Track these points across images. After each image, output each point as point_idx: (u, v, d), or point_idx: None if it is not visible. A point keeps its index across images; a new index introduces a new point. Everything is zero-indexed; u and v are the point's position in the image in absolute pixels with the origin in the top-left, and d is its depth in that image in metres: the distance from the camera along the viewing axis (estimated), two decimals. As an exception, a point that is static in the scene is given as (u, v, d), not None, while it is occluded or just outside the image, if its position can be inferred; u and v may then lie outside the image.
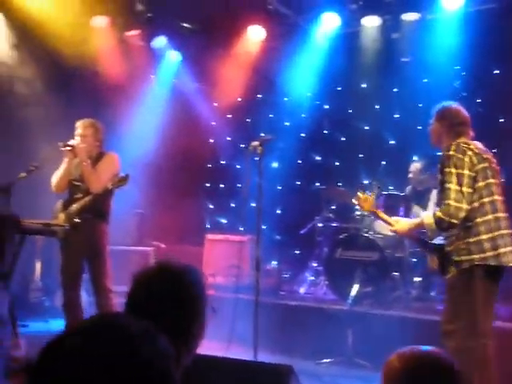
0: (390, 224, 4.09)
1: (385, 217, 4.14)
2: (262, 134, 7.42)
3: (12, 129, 6.86)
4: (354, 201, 4.37)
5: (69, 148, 4.98)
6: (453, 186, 3.58)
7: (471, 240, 3.61)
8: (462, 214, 3.56)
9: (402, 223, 4.03)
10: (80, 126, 5.11)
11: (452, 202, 3.55)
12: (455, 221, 3.56)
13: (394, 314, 5.80)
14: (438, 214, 3.60)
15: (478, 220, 3.63)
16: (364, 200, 4.22)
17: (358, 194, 4.25)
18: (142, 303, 1.66)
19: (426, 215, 3.81)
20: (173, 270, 1.76)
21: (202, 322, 1.74)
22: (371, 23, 7.78)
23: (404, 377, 1.59)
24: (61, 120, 6.53)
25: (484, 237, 3.60)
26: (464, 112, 3.90)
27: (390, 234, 6.28)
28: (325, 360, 5.39)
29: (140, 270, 1.74)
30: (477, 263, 3.58)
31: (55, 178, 5.13)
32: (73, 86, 7.45)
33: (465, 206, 3.56)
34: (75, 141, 5.02)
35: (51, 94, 7.22)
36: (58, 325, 5.83)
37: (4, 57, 7.11)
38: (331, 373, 5.26)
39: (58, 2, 6.56)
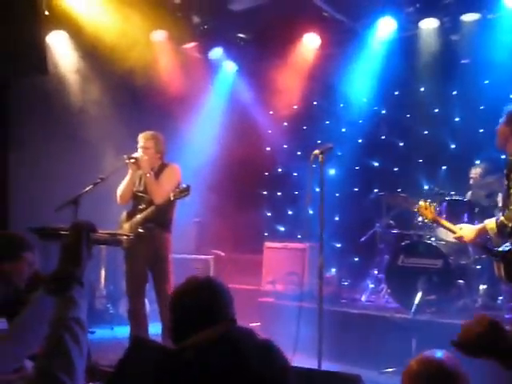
0: (453, 231, 4.01)
1: (447, 224, 4.07)
2: (319, 141, 7.46)
3: (79, 143, 7.11)
4: (415, 209, 4.31)
5: (132, 160, 5.12)
6: None
7: None
8: None
9: (465, 230, 3.95)
10: (142, 138, 5.25)
11: None
12: None
13: (459, 322, 5.61)
14: (502, 219, 3.54)
15: None
16: (425, 208, 4.16)
17: (420, 202, 4.19)
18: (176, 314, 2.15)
19: (489, 221, 3.73)
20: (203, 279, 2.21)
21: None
22: (429, 26, 7.66)
23: (420, 380, 1.72)
24: (124, 133, 6.72)
25: None
26: None
27: (453, 240, 6.16)
28: (388, 369, 5.30)
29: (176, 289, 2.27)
30: None
31: (120, 189, 5.28)
32: (135, 100, 7.66)
33: None
34: (138, 153, 5.16)
35: (115, 109, 7.45)
36: (122, 332, 5.97)
37: (69, 74, 7.38)
38: (394, 382, 5.13)
39: (119, 19, 6.75)
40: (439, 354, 1.95)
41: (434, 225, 6.29)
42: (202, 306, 2.09)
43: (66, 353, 1.45)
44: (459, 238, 3.96)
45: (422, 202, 4.18)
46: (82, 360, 1.49)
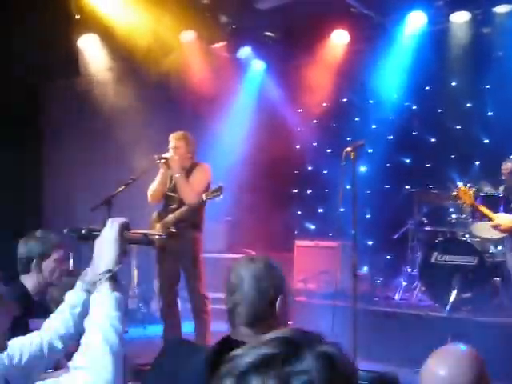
0: (490, 219, 3.95)
1: (485, 210, 4.02)
2: (349, 139, 7.41)
3: (111, 143, 7.19)
4: (454, 193, 4.25)
5: (163, 160, 5.15)
6: None
7: None
8: None
9: (503, 218, 3.89)
10: (173, 138, 5.28)
11: None
12: None
13: (495, 320, 5.55)
14: None
15: None
16: (464, 192, 4.11)
17: (460, 185, 4.15)
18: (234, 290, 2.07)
19: None
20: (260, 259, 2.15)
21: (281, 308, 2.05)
22: (460, 19, 7.53)
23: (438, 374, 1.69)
24: (156, 133, 6.77)
25: None
26: None
27: (489, 237, 6.06)
28: (423, 368, 5.22)
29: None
30: None
31: (151, 189, 5.32)
32: (165, 100, 7.72)
33: None
34: (169, 153, 5.19)
35: (146, 109, 7.51)
36: (155, 331, 6.01)
37: (101, 76, 7.47)
38: (430, 382, 5.09)
39: (148, 21, 6.81)
40: (463, 347, 1.90)
41: (469, 221, 6.20)
42: (261, 287, 2.06)
43: (102, 351, 1.46)
44: (496, 226, 3.90)
45: (461, 186, 4.13)
46: (118, 357, 1.49)
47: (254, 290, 2.02)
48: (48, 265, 3.31)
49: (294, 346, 0.92)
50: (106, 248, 1.68)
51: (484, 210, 4.02)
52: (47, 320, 2.02)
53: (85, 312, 1.97)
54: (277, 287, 2.07)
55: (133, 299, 7.52)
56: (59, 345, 1.97)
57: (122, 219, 1.76)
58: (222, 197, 4.93)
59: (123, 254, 1.71)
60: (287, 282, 2.18)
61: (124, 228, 1.74)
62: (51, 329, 1.97)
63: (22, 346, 1.90)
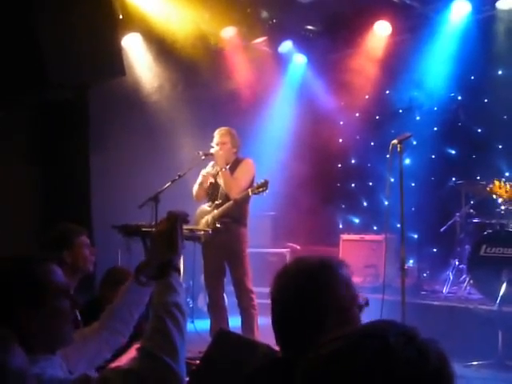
0: None
1: None
2: (392, 131, 7.32)
3: (157, 141, 7.31)
4: (488, 189, 4.18)
5: (208, 156, 5.22)
6: None
7: None
8: None
9: None
10: (217, 134, 5.34)
11: None
12: None
13: (547, 314, 5.42)
14: None
15: None
16: (499, 187, 4.04)
17: (494, 181, 4.08)
18: (282, 298, 1.59)
19: None
20: (309, 264, 1.63)
21: (339, 316, 1.55)
22: (507, 6, 7.34)
23: None
24: (201, 130, 6.86)
25: None
26: None
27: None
28: (474, 362, 5.15)
29: (280, 269, 1.66)
30: None
31: (196, 187, 5.40)
32: (209, 97, 7.78)
33: None
34: (213, 149, 5.25)
35: (190, 107, 7.60)
36: (203, 325, 6.09)
37: (145, 75, 7.59)
38: (480, 376, 5.02)
39: (190, 18, 6.88)
40: None
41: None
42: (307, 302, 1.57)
43: (168, 337, 1.51)
44: None
45: (496, 182, 4.07)
46: (183, 344, 1.54)
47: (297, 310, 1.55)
48: (75, 254, 3.26)
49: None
50: (166, 239, 1.73)
51: None
52: (102, 316, 2.07)
53: (139, 303, 2.02)
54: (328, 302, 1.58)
55: (180, 294, 7.62)
56: (118, 338, 2.04)
57: (181, 211, 1.80)
58: (267, 191, 4.95)
59: (182, 245, 1.76)
60: (348, 293, 1.62)
61: (182, 220, 1.78)
62: (109, 324, 2.03)
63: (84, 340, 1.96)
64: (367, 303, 1.68)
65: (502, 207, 6.29)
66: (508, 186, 4.03)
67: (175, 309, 1.57)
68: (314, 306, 1.52)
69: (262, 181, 5.00)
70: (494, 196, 5.31)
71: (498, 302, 5.33)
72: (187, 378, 3.65)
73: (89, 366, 1.96)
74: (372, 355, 0.89)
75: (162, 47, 7.23)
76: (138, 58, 7.50)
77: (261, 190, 4.96)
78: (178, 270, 1.68)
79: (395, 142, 4.18)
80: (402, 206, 4.14)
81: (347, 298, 1.59)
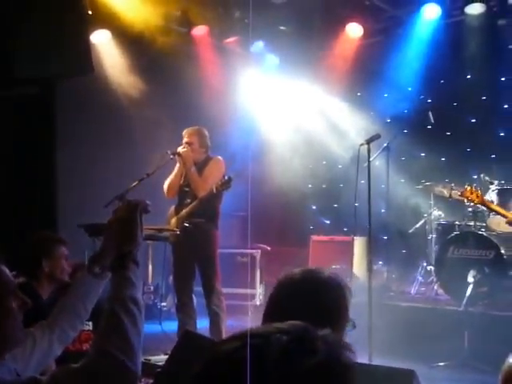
0: (504, 215, 3.92)
1: (497, 208, 3.99)
2: (363, 133, 7.35)
3: (125, 139, 7.22)
4: (459, 195, 4.23)
5: (176, 155, 5.16)
6: None
7: None
8: None
9: None
10: (186, 133, 5.30)
11: None
12: None
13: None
14: None
15: None
16: (470, 192, 4.09)
17: (466, 187, 4.13)
18: (283, 305, 1.59)
19: None
20: (316, 277, 1.66)
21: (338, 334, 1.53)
22: (475, 11, 7.43)
23: None
24: (168, 128, 6.79)
25: None
26: None
27: (505, 230, 5.99)
28: (440, 363, 5.20)
29: (285, 274, 1.67)
30: None
31: (167, 183, 5.35)
32: (179, 96, 7.71)
33: None
34: (181, 148, 5.20)
35: (159, 105, 7.52)
36: (171, 326, 6.02)
37: (113, 72, 7.49)
38: (446, 376, 5.06)
39: (159, 15, 6.81)
40: None
41: (485, 214, 6.15)
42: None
43: (123, 333, 1.44)
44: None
45: (467, 187, 4.11)
46: (139, 340, 1.48)
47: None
48: (54, 264, 3.29)
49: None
50: (124, 229, 1.64)
51: (495, 207, 3.99)
52: (54, 312, 1.98)
53: (93, 296, 1.94)
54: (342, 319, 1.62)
55: (148, 295, 7.54)
56: (70, 334, 1.96)
57: (141, 201, 1.71)
58: (230, 187, 4.90)
59: (142, 237, 1.67)
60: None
61: (143, 209, 1.69)
62: (61, 319, 1.95)
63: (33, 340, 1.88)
64: (354, 326, 1.71)
65: (470, 209, 6.37)
66: (479, 192, 4.08)
67: (131, 303, 1.50)
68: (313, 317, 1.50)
69: (226, 178, 4.97)
70: (466, 201, 5.36)
71: (464, 302, 5.39)
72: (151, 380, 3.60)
73: (39, 366, 1.87)
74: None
75: (131, 44, 7.15)
76: (107, 55, 7.41)
77: (225, 186, 4.92)
78: (137, 263, 1.61)
79: (363, 143, 4.19)
80: (369, 206, 4.16)
81: (343, 317, 1.63)
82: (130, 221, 1.64)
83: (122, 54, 7.46)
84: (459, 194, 4.24)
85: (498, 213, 3.99)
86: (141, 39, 6.86)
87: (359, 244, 6.91)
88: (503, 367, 1.84)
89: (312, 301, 1.57)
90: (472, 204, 5.99)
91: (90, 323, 3.30)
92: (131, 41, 7.05)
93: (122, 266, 1.56)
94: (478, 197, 4.07)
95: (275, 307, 1.62)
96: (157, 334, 6.40)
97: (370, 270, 4.06)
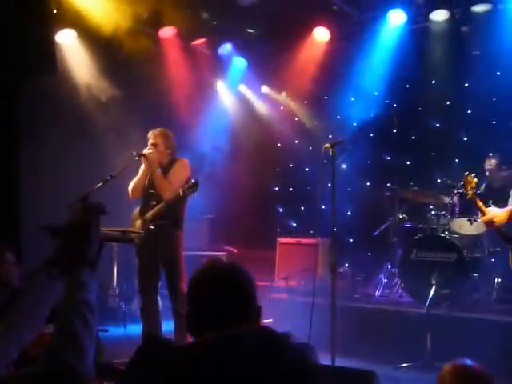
0: (483, 213, 3.99)
1: (481, 205, 4.05)
2: (330, 136, 7.42)
3: (90, 141, 7.13)
4: (463, 181, 4.28)
5: (142, 157, 5.11)
6: None
7: None
8: None
9: (497, 212, 3.93)
10: (151, 135, 5.25)
11: None
12: None
13: (473, 316, 5.60)
14: None
15: None
16: (469, 182, 4.15)
17: (466, 174, 4.18)
18: (199, 294, 1.75)
19: None
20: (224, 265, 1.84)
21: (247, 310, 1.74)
22: (439, 17, 7.56)
23: None
24: (135, 129, 6.73)
25: None
26: None
27: (467, 233, 6.11)
28: (403, 364, 5.26)
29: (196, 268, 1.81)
30: None
31: (131, 185, 5.29)
32: (143, 96, 7.65)
33: None
34: (146, 150, 5.15)
35: (124, 106, 7.44)
36: (135, 330, 5.97)
37: (78, 73, 7.39)
38: (410, 377, 5.12)
39: (127, 16, 6.74)
40: (469, 363, 1.97)
41: (448, 217, 6.25)
42: (218, 297, 1.75)
43: (75, 337, 1.41)
44: (489, 220, 3.93)
45: (467, 174, 4.17)
46: (92, 344, 1.45)
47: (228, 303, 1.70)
48: (2, 271, 3.26)
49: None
50: (79, 230, 1.60)
51: (480, 204, 4.06)
52: (8, 316, 1.93)
53: (50, 298, 1.90)
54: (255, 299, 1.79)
55: (113, 298, 7.45)
56: (26, 337, 1.91)
57: (97, 203, 1.68)
58: (197, 191, 4.88)
59: (97, 239, 1.63)
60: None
61: (99, 210, 1.66)
62: (17, 323, 1.90)
63: None
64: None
65: (433, 212, 6.48)
66: (474, 183, 4.16)
67: (84, 307, 1.47)
68: (232, 299, 1.70)
69: (193, 181, 4.94)
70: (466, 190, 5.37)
71: (426, 304, 5.46)
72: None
73: None
74: (225, 356, 0.90)
75: (98, 45, 7.06)
76: (72, 55, 7.30)
77: (192, 190, 4.89)
78: (92, 265, 1.58)
79: (327, 146, 4.22)
80: (334, 209, 4.18)
81: (254, 296, 1.79)
82: (85, 223, 1.61)
83: (89, 54, 7.36)
84: (464, 180, 4.30)
85: (480, 210, 4.06)
86: (108, 39, 6.78)
87: (325, 246, 6.95)
88: (438, 377, 1.91)
89: (225, 286, 1.72)
90: (432, 206, 6.06)
91: (51, 326, 3.24)
92: (98, 41, 6.96)
93: (76, 268, 1.54)
94: (472, 188, 4.14)
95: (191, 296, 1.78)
96: (121, 337, 6.34)
97: (333, 272, 4.08)
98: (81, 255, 1.56)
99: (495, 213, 3.89)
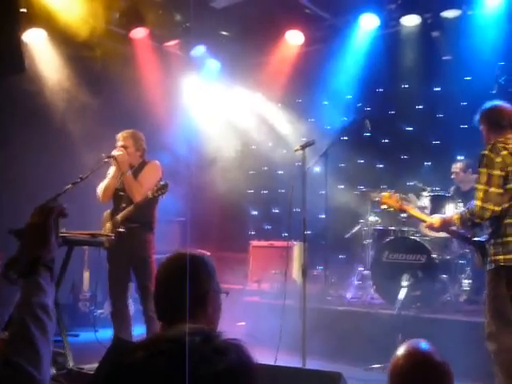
0: (423, 220, 4.06)
1: (416, 213, 4.11)
2: (303, 139, 7.43)
3: (58, 142, 7.03)
4: (376, 200, 4.33)
5: (111, 159, 5.05)
6: (481, 186, 3.60)
7: (499, 241, 3.63)
8: (488, 215, 3.57)
9: (435, 218, 4.00)
10: (120, 137, 5.19)
11: (478, 203, 3.58)
12: (478, 220, 3.61)
13: (443, 317, 5.66)
14: (465, 212, 3.68)
15: (507, 221, 3.62)
16: (388, 197, 4.19)
17: (382, 193, 4.23)
18: (162, 285, 2.05)
19: (456, 212, 3.80)
20: (185, 255, 2.06)
21: (214, 298, 2.07)
22: (410, 22, 7.66)
23: (406, 372, 1.82)
24: (104, 131, 6.65)
25: (510, 239, 3.59)
26: (508, 109, 3.83)
27: (437, 235, 6.17)
28: (374, 365, 5.28)
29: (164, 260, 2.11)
30: (502, 264, 3.59)
31: (101, 187, 5.22)
32: (114, 97, 7.57)
33: (491, 206, 3.57)
34: (116, 152, 5.09)
35: (95, 106, 7.36)
36: (107, 334, 5.89)
37: (47, 73, 7.28)
38: (381, 378, 5.12)
39: (98, 16, 6.67)
40: (423, 345, 1.97)
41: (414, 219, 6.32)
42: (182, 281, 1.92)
43: (31, 342, 1.38)
44: (430, 226, 4.00)
45: (384, 193, 4.22)
46: (48, 348, 1.42)
47: (181, 288, 1.87)
48: None
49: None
50: (37, 233, 1.59)
51: (414, 212, 4.11)
52: None
53: (9, 302, 1.86)
54: (206, 284, 2.04)
55: (84, 302, 7.36)
56: None
57: (55, 204, 1.66)
58: (166, 193, 4.84)
59: (56, 242, 1.61)
60: (216, 279, 2.13)
61: (58, 213, 1.64)
62: None
63: None
64: (227, 293, 2.19)
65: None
66: (398, 197, 4.20)
67: (41, 311, 1.44)
68: (194, 286, 1.98)
69: (162, 183, 4.89)
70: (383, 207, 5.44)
71: (397, 306, 5.50)
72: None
73: None
74: (167, 358, 0.90)
75: (68, 45, 6.97)
76: (41, 55, 7.19)
77: (161, 192, 4.84)
78: (50, 268, 1.55)
79: (298, 148, 4.23)
80: (305, 211, 4.19)
81: (214, 283, 2.09)
82: (43, 225, 1.59)
83: (58, 54, 7.26)
84: (376, 199, 4.35)
85: (417, 218, 4.12)
86: (78, 40, 6.70)
87: (298, 249, 6.97)
88: (392, 361, 1.90)
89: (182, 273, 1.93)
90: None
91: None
92: (68, 41, 6.86)
93: (33, 271, 1.51)
94: (396, 201, 4.18)
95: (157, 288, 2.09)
96: (92, 342, 6.24)
97: (304, 274, 4.09)
98: (38, 258, 1.53)
99: (433, 219, 3.97)
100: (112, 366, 0.93)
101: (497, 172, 3.56)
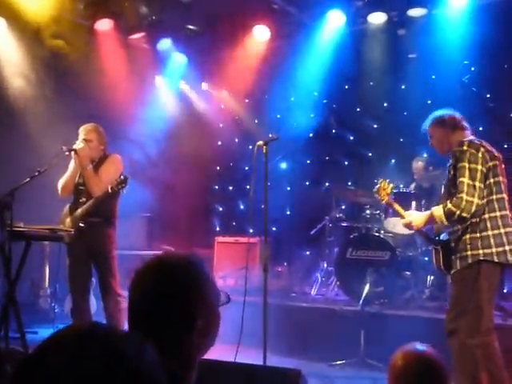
0: (402, 217, 4.06)
1: (399, 209, 4.12)
2: (270, 135, 7.41)
3: (18, 133, 6.85)
4: (375, 189, 4.32)
5: (72, 152, 4.93)
6: (466, 180, 3.63)
7: (478, 235, 3.66)
8: (473, 208, 3.61)
9: (415, 216, 4.01)
10: (83, 130, 5.07)
11: (464, 196, 3.60)
12: (465, 214, 3.62)
13: (406, 313, 5.71)
14: (449, 206, 3.68)
15: (486, 216, 3.68)
16: (383, 188, 4.20)
17: (380, 180, 4.23)
18: (138, 303, 1.48)
19: (436, 208, 3.80)
20: (168, 264, 1.54)
21: (206, 320, 1.50)
22: (377, 20, 7.69)
23: (405, 374, 1.83)
24: (65, 124, 6.50)
25: (490, 233, 3.65)
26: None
27: (400, 232, 6.22)
28: (337, 362, 5.30)
29: (137, 268, 1.53)
30: (482, 258, 3.62)
31: (61, 181, 5.11)
32: (77, 90, 7.41)
33: (476, 200, 3.62)
34: (77, 145, 4.97)
35: (56, 98, 7.19)
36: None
37: (8, 62, 7.09)
38: (344, 374, 5.17)
39: (61, 6, 6.52)
40: (420, 347, 2.00)
41: (382, 217, 6.35)
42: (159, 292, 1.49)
43: None
44: (408, 224, 4.00)
45: (382, 181, 4.22)
46: None
47: (159, 310, 1.45)
48: None
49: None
50: None
51: (398, 208, 4.12)
52: None
53: None
54: (194, 307, 1.49)
55: (45, 299, 7.21)
56: None
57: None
58: (126, 187, 4.73)
59: (2, 235, 1.55)
60: (214, 291, 1.60)
61: (3, 207, 1.58)
62: None
63: None
64: (229, 300, 1.68)
65: (368, 211, 6.57)
66: (390, 189, 4.21)
67: None
68: (179, 303, 1.46)
69: (122, 177, 4.78)
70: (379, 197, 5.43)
71: (360, 302, 5.53)
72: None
73: None
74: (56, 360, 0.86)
75: (30, 35, 6.79)
76: (2, 45, 6.99)
77: (120, 186, 4.74)
78: None
79: (261, 143, 4.19)
80: (266, 207, 4.16)
81: (212, 295, 1.57)
82: None
83: (20, 44, 7.06)
84: (375, 189, 4.34)
85: (399, 214, 4.12)
86: (40, 30, 6.53)
87: (263, 245, 6.93)
88: (390, 363, 1.91)
89: (161, 290, 1.49)
90: (377, 200, 6.13)
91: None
92: (30, 31, 6.68)
93: None
94: (387, 194, 4.19)
95: (132, 306, 1.52)
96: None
97: (265, 270, 4.06)
98: None
99: (414, 217, 3.98)
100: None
101: (480, 167, 3.63)
